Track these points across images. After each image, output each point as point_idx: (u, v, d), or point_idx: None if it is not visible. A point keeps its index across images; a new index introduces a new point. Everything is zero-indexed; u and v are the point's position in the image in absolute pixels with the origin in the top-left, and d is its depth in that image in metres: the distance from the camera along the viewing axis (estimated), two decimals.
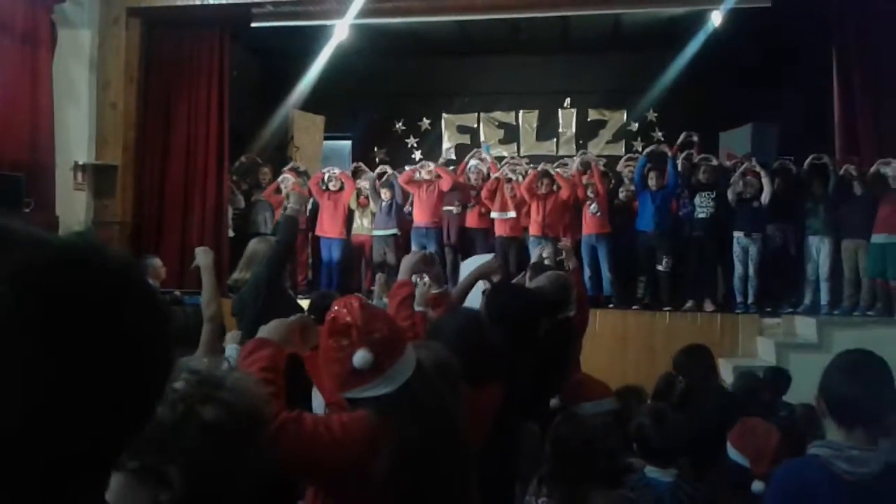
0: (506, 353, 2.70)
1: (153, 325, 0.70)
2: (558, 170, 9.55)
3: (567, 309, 4.26)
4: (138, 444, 0.99)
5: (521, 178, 9.33)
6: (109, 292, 0.67)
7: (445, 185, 9.28)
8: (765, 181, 8.38)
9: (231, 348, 2.62)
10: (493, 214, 9.16)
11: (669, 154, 8.94)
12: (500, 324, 2.89)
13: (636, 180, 8.85)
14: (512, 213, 9.06)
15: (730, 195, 8.48)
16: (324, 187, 9.57)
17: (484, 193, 9.19)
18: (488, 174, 9.50)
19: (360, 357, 1.68)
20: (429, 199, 9.24)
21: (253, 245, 4.03)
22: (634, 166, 9.09)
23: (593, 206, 8.78)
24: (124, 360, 0.67)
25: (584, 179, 8.95)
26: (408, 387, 1.75)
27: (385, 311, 2.37)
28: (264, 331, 1.94)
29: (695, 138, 9.31)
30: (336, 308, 1.80)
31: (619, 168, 9.96)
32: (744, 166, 8.71)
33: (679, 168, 8.79)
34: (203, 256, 3.25)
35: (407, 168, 10.01)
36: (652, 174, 8.70)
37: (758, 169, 8.54)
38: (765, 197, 8.36)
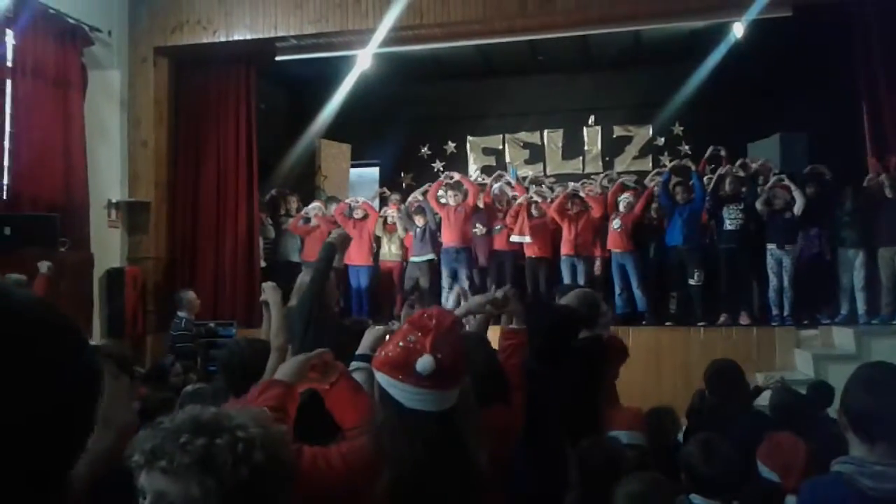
0: (527, 371, 2.69)
1: (69, 358, 0.77)
2: (588, 186, 9.57)
3: (596, 326, 4.25)
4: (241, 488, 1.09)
5: (548, 198, 9.36)
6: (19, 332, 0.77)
7: (472, 197, 9.33)
8: (796, 194, 8.28)
9: None
10: (513, 238, 9.17)
11: (694, 169, 8.91)
12: (532, 340, 2.90)
13: (661, 195, 8.82)
14: (528, 238, 9.08)
15: (758, 206, 8.40)
16: (348, 216, 9.65)
17: (508, 219, 9.23)
18: (514, 198, 9.56)
19: (425, 362, 1.71)
20: (457, 220, 9.26)
21: (301, 277, 4.15)
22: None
23: (616, 221, 8.75)
24: (45, 391, 0.76)
25: (625, 195, 8.90)
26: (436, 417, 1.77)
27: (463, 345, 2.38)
28: (279, 371, 1.99)
29: (722, 152, 9.26)
30: (435, 311, 1.86)
31: (646, 182, 9.93)
32: (773, 179, 8.63)
33: (710, 182, 8.76)
34: (271, 293, 3.36)
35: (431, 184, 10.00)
36: (678, 189, 8.68)
37: (787, 183, 8.44)
38: (798, 209, 8.25)
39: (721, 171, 8.87)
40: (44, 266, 6.40)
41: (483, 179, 10.62)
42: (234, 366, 3.09)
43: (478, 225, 9.35)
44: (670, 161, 11.93)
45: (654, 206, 9.21)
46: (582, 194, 9.22)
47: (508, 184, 10.00)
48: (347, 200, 9.97)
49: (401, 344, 1.76)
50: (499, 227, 9.38)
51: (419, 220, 9.46)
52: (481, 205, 9.50)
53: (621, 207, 8.83)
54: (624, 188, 9.14)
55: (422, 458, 1.71)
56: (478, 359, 2.52)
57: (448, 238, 9.29)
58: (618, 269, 8.84)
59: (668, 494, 2.65)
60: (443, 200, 9.57)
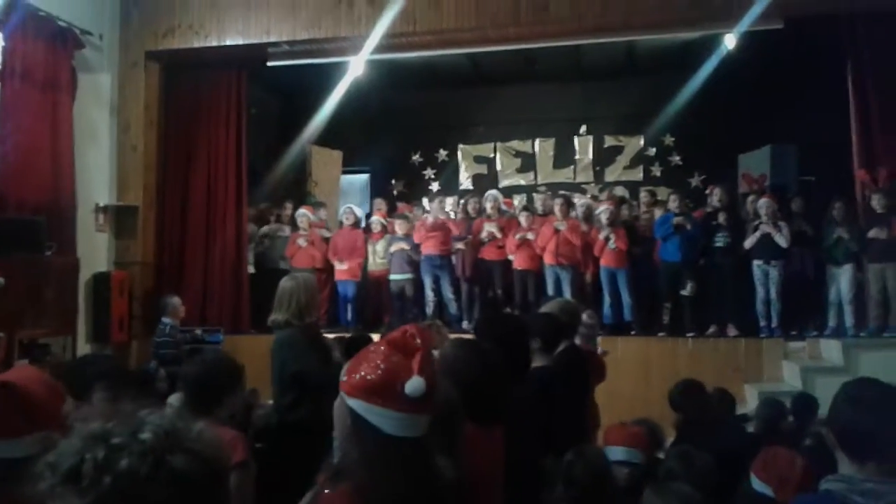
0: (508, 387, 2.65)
1: None
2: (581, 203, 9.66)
3: (575, 336, 4.26)
4: (108, 498, 1.01)
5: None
6: None
7: (453, 229, 9.53)
8: (778, 238, 8.31)
9: None
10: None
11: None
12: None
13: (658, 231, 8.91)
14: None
15: (747, 244, 8.48)
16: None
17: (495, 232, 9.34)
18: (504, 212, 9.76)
19: (417, 384, 1.57)
20: (435, 234, 9.38)
21: (283, 284, 4.16)
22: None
23: (611, 242, 8.77)
24: None
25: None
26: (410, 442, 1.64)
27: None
28: None
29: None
30: (415, 328, 1.70)
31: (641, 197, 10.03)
32: (757, 223, 8.60)
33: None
34: None
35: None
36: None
37: (768, 230, 8.41)
38: (782, 243, 8.33)
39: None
40: None
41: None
42: (204, 383, 3.00)
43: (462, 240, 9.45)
44: (661, 171, 12.00)
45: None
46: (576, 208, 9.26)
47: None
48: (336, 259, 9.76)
49: (382, 366, 1.60)
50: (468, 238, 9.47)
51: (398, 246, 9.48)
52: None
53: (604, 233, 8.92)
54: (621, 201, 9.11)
55: (403, 490, 1.59)
56: (470, 375, 2.36)
57: (427, 247, 9.34)
58: (609, 280, 8.85)
59: None
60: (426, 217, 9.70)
